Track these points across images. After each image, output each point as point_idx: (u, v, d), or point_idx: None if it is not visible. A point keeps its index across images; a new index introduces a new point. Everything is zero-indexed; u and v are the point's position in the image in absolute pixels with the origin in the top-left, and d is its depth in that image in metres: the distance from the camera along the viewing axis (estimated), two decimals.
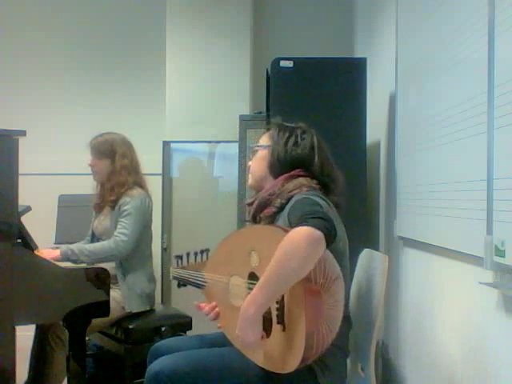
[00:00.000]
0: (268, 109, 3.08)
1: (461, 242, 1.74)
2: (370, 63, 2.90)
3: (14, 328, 2.15)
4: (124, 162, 2.90)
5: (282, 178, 1.86)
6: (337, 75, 2.89)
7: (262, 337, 1.53)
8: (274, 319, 1.55)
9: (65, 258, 2.66)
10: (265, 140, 1.96)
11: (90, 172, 2.97)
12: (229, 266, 1.78)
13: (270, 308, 1.55)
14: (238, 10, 3.93)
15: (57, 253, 2.67)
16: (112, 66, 4.21)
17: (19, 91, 4.16)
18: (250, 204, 1.92)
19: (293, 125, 1.95)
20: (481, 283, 1.54)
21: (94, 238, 3.00)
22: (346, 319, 1.67)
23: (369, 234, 2.99)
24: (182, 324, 2.95)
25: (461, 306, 1.84)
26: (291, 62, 2.87)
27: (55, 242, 3.38)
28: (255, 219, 1.90)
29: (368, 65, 2.88)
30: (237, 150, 3.58)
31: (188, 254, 2.03)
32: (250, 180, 1.99)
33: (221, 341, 1.91)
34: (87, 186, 3.04)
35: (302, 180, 1.82)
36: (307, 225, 1.45)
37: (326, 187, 1.85)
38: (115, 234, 2.78)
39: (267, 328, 1.56)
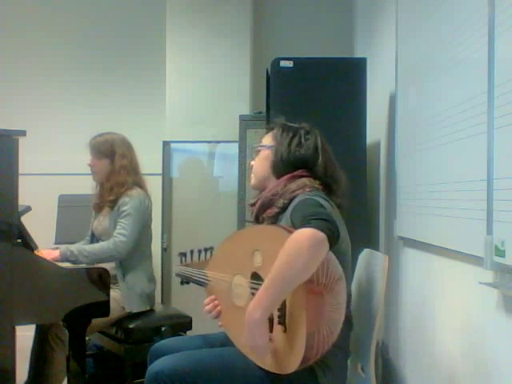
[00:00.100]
0: (268, 109, 3.08)
1: (461, 242, 1.74)
2: (370, 63, 2.90)
3: (14, 328, 2.15)
4: (123, 162, 2.91)
5: (284, 178, 1.85)
6: (337, 75, 2.89)
7: (270, 339, 1.53)
8: (276, 320, 1.55)
9: (64, 258, 2.66)
10: (268, 140, 1.96)
11: (90, 172, 2.97)
12: (232, 265, 1.78)
13: None
14: (238, 10, 3.93)
15: (56, 253, 2.67)
16: (112, 66, 4.21)
17: (19, 91, 4.16)
18: (253, 204, 1.92)
19: (296, 125, 1.94)
20: (481, 283, 1.54)
21: (94, 239, 3.00)
22: (347, 320, 1.66)
23: (369, 234, 2.99)
24: (181, 324, 2.95)
25: (461, 306, 1.84)
26: (291, 62, 2.87)
27: (55, 242, 3.38)
28: (258, 219, 1.90)
29: (368, 65, 2.88)
30: (237, 150, 3.58)
31: (192, 252, 2.04)
32: (253, 180, 1.99)
33: (221, 341, 1.91)
34: (87, 185, 3.04)
35: (304, 180, 1.82)
36: (310, 226, 1.45)
37: (328, 188, 1.85)
38: (114, 234, 2.78)
39: (268, 329, 1.56)
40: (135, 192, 2.88)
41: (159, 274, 3.84)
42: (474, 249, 1.59)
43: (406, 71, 2.47)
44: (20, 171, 2.16)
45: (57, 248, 2.84)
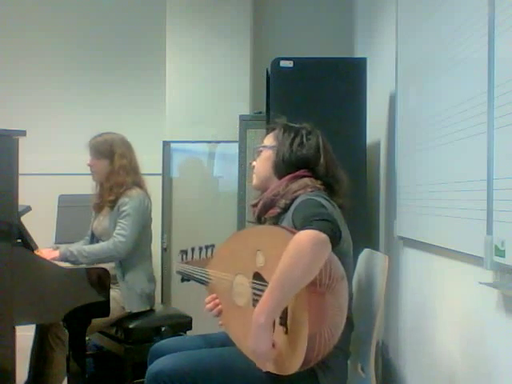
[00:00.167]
0: (268, 109, 3.08)
1: (461, 242, 1.74)
2: (370, 63, 2.90)
3: (14, 328, 2.15)
4: (123, 162, 2.90)
5: (286, 178, 1.85)
6: (337, 75, 2.89)
7: (273, 345, 1.52)
8: (277, 321, 1.55)
9: (64, 258, 2.67)
10: (269, 140, 1.95)
11: (90, 172, 2.97)
12: (234, 265, 1.78)
13: None
14: (238, 10, 3.93)
15: (56, 254, 2.67)
16: (112, 66, 4.21)
17: (19, 91, 4.16)
18: (255, 205, 1.91)
19: (298, 125, 1.94)
20: (481, 283, 1.54)
21: (94, 239, 3.01)
22: (348, 321, 1.66)
23: (369, 233, 2.99)
24: (182, 324, 2.95)
25: (461, 306, 1.84)
26: (291, 62, 2.87)
27: (55, 242, 3.38)
28: (260, 220, 1.90)
29: (368, 65, 2.88)
30: (237, 150, 3.59)
31: (193, 249, 2.04)
32: (255, 180, 1.98)
33: (221, 341, 1.91)
34: (87, 185, 3.04)
35: (306, 180, 1.81)
36: (312, 227, 1.45)
37: (330, 188, 1.85)
38: (114, 234, 2.78)
39: (272, 334, 1.55)
40: (135, 192, 2.88)
41: (159, 273, 3.84)
42: (474, 249, 1.59)
43: (405, 71, 2.47)
44: (20, 171, 2.16)
45: (57, 248, 2.85)
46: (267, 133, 2.02)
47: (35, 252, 2.38)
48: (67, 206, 3.71)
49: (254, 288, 1.66)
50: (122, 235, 2.77)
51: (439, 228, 1.96)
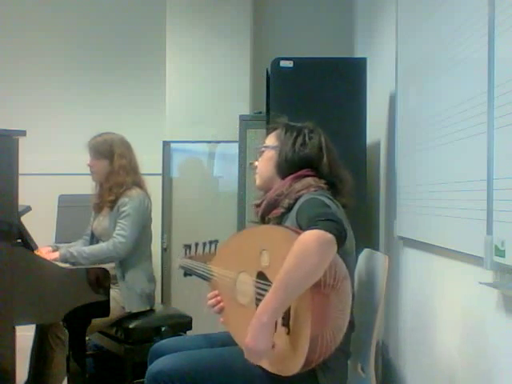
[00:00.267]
0: (268, 109, 3.08)
1: (461, 242, 1.74)
2: (370, 63, 2.90)
3: (14, 328, 2.15)
4: (122, 162, 2.90)
5: (289, 178, 1.84)
6: (337, 75, 2.89)
7: (273, 346, 1.51)
8: (279, 321, 1.54)
9: (64, 260, 2.66)
10: (271, 140, 1.95)
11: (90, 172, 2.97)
12: (238, 263, 1.77)
13: None
14: (238, 10, 3.93)
15: (56, 255, 2.67)
16: (112, 66, 4.21)
17: (19, 91, 4.16)
18: (258, 205, 1.91)
19: (300, 124, 1.94)
20: (481, 283, 1.54)
21: (94, 239, 3.01)
22: (350, 322, 1.65)
23: (369, 233, 2.99)
24: (182, 324, 2.95)
25: (461, 305, 1.84)
26: (291, 62, 2.87)
27: (55, 242, 3.38)
28: (263, 220, 1.89)
29: (368, 65, 2.88)
30: (237, 150, 3.58)
31: (197, 244, 2.04)
32: (258, 181, 1.97)
33: (222, 340, 1.91)
34: (87, 186, 3.04)
35: (309, 180, 1.81)
36: (318, 228, 1.44)
37: (334, 187, 1.84)
38: (113, 235, 2.78)
39: (273, 334, 1.55)
40: (134, 192, 2.87)
41: (159, 273, 3.84)
42: (474, 249, 1.59)
43: (406, 71, 2.47)
44: (20, 171, 2.16)
45: (56, 247, 2.85)
46: (269, 132, 2.01)
47: (35, 252, 2.38)
48: (67, 206, 3.71)
49: (257, 287, 1.65)
50: (122, 235, 2.77)
51: (439, 228, 1.96)
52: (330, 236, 1.43)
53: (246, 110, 3.81)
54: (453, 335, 1.91)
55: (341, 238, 1.46)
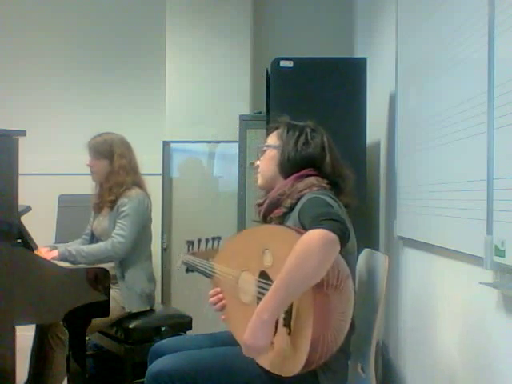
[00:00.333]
0: (268, 109, 3.08)
1: (461, 242, 1.74)
2: (370, 63, 2.90)
3: (14, 328, 2.15)
4: (122, 162, 2.90)
5: (292, 177, 1.84)
6: (337, 75, 2.89)
7: (272, 343, 1.51)
8: (281, 322, 1.54)
9: (63, 258, 2.67)
10: (273, 139, 1.93)
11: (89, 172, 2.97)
12: (240, 261, 1.77)
13: None
14: (238, 10, 3.93)
15: (55, 254, 2.67)
16: (112, 66, 4.21)
17: (19, 91, 4.16)
18: (261, 204, 1.90)
19: (301, 123, 1.92)
20: (481, 283, 1.54)
21: (94, 239, 3.01)
22: (351, 322, 1.66)
23: (369, 233, 2.99)
24: (182, 324, 2.95)
25: (461, 306, 1.84)
26: (291, 62, 2.87)
27: (55, 242, 3.38)
28: (266, 219, 1.88)
29: (368, 65, 2.88)
30: (237, 150, 3.58)
31: (199, 241, 2.04)
32: (260, 180, 1.96)
33: (222, 340, 1.91)
34: (87, 186, 3.04)
35: (312, 179, 1.80)
36: (321, 227, 1.43)
37: (336, 187, 1.83)
38: (112, 235, 2.78)
39: (273, 333, 1.54)
40: (134, 192, 2.87)
41: (159, 273, 3.84)
42: (474, 249, 1.59)
43: (406, 71, 2.47)
44: (20, 171, 2.16)
45: (55, 247, 2.85)
46: (270, 131, 1.99)
47: (35, 252, 2.38)
48: (67, 206, 3.71)
49: (259, 287, 1.65)
50: (121, 235, 2.77)
51: (439, 228, 1.96)
52: (333, 236, 1.42)
53: (246, 110, 3.81)
54: (453, 335, 1.91)
55: (344, 238, 1.45)
